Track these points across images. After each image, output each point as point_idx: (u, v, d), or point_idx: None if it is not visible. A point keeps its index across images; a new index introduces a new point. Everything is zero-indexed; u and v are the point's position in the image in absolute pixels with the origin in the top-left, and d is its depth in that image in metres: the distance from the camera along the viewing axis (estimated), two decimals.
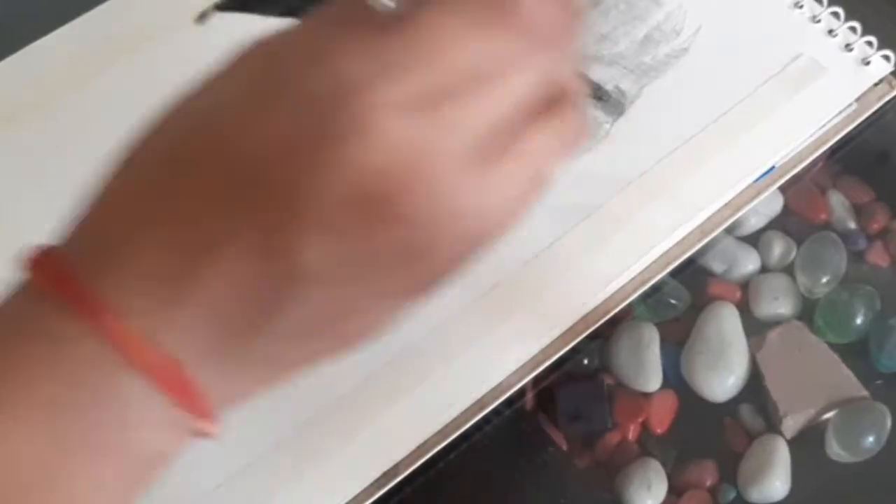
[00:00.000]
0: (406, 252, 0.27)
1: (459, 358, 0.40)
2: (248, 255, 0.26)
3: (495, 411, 0.41)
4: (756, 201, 0.45)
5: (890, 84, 0.47)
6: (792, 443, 0.40)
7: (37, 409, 0.26)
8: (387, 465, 0.39)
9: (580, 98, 0.28)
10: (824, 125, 0.46)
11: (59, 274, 0.27)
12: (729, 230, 0.45)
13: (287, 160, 0.25)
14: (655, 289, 0.44)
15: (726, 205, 0.45)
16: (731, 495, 0.40)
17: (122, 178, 0.30)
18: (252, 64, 0.28)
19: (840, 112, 0.47)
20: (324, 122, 0.25)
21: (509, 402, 0.41)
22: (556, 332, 0.42)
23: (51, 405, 0.26)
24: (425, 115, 0.25)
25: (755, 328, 0.43)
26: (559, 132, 0.28)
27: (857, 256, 0.45)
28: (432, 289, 0.29)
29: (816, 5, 0.49)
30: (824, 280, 0.44)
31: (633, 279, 0.43)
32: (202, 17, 0.50)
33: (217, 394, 0.28)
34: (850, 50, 0.48)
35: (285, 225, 0.26)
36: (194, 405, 0.27)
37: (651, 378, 0.42)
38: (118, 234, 0.28)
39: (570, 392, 0.42)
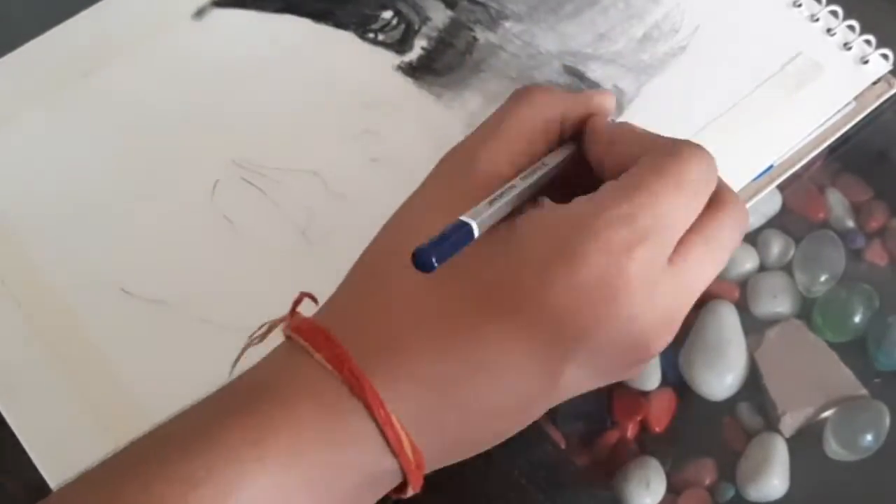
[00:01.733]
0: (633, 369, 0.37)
1: None
2: (523, 377, 0.32)
3: None
4: (755, 200, 0.45)
5: (888, 82, 0.48)
6: (790, 441, 0.40)
7: (308, 456, 0.31)
8: None
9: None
10: (823, 124, 0.46)
11: (336, 352, 0.32)
12: None
13: (572, 310, 0.32)
14: None
15: None
16: (730, 494, 0.40)
17: (391, 274, 0.34)
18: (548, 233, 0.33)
19: (839, 111, 0.47)
20: (603, 284, 0.32)
21: None
22: None
23: (316, 459, 0.31)
24: (662, 271, 0.33)
25: (754, 326, 0.43)
26: (733, 220, 0.35)
27: (855, 255, 0.45)
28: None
29: (815, 4, 0.49)
30: (823, 278, 0.44)
31: None
32: (200, 12, 0.50)
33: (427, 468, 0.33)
34: (849, 48, 0.48)
35: (566, 358, 0.32)
36: (416, 482, 0.33)
37: (650, 376, 0.42)
38: (389, 328, 0.33)
39: None
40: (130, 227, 0.44)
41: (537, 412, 0.35)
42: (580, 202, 0.34)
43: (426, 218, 0.34)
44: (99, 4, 0.50)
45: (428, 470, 0.34)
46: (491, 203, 0.32)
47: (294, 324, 0.33)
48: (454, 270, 0.32)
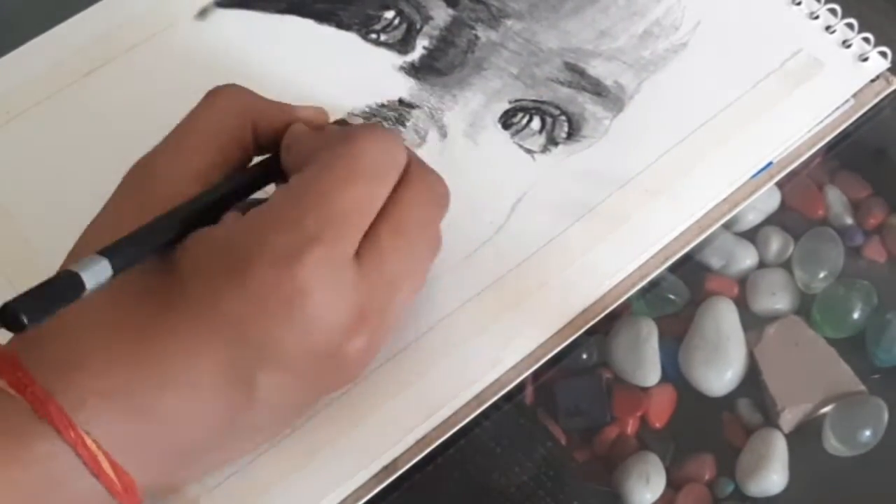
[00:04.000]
0: (346, 382, 0.36)
1: (459, 353, 0.40)
2: (215, 389, 0.32)
3: (494, 406, 0.41)
4: (754, 197, 0.45)
5: (887, 80, 0.48)
6: (789, 437, 0.41)
7: None
8: (386, 460, 0.39)
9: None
10: (822, 121, 0.46)
11: (19, 376, 0.30)
12: (727, 226, 0.45)
13: (252, 318, 0.31)
14: (654, 284, 0.44)
15: (724, 200, 0.45)
16: (730, 489, 0.40)
17: (86, 298, 0.32)
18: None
19: (837, 108, 0.47)
20: (277, 292, 0.31)
21: (508, 397, 0.41)
22: (555, 328, 0.42)
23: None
24: (344, 267, 0.32)
25: (753, 323, 0.43)
26: (422, 196, 0.35)
27: (854, 252, 0.45)
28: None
29: (814, 2, 0.49)
30: (822, 275, 0.44)
31: (631, 274, 0.43)
32: (202, 13, 0.50)
33: (153, 488, 0.33)
34: (848, 46, 0.48)
35: (254, 366, 0.32)
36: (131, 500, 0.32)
37: (649, 373, 0.42)
38: (79, 345, 0.32)
39: (569, 387, 0.42)
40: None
41: (250, 425, 0.34)
42: (251, 213, 0.33)
43: (106, 239, 0.32)
44: (100, 4, 0.50)
45: (164, 489, 0.34)
46: (122, 243, 0.31)
47: None
48: (139, 284, 0.32)
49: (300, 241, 0.32)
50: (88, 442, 0.30)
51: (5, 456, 0.29)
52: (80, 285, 0.29)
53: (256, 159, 0.39)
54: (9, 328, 0.27)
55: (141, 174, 0.36)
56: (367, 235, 0.34)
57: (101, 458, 0.30)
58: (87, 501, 0.31)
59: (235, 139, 0.36)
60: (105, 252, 0.30)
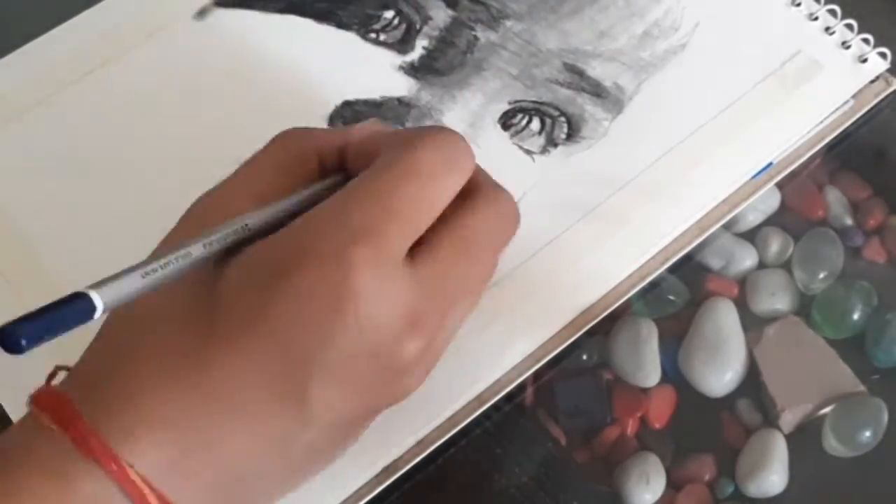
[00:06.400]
0: (402, 394, 0.34)
1: (459, 354, 0.40)
2: (268, 405, 0.30)
3: (495, 407, 0.41)
4: (754, 198, 0.45)
5: (886, 81, 0.48)
6: (789, 437, 0.41)
7: None
8: (387, 460, 0.39)
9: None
10: (821, 122, 0.46)
11: (66, 414, 0.29)
12: (727, 226, 0.45)
13: (300, 328, 0.30)
14: (654, 285, 0.44)
15: (724, 201, 0.45)
16: (730, 489, 0.40)
17: (130, 319, 0.32)
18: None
19: (837, 109, 0.47)
20: (324, 293, 0.30)
21: (509, 398, 0.41)
22: (556, 328, 0.42)
23: None
24: (395, 267, 0.31)
25: (753, 324, 0.43)
26: (490, 211, 0.34)
27: (854, 252, 0.45)
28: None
29: (814, 3, 0.49)
30: (821, 276, 0.44)
31: (631, 275, 0.43)
32: (201, 13, 0.50)
33: None
34: (848, 47, 0.48)
35: (306, 376, 0.30)
36: None
37: (650, 373, 0.42)
38: (129, 379, 0.30)
39: (569, 387, 0.42)
40: (131, 227, 0.44)
41: (305, 446, 0.32)
42: (300, 218, 0.32)
43: None
44: (100, 4, 0.50)
45: None
46: (150, 263, 0.29)
47: (35, 394, 0.31)
48: (186, 298, 0.31)
49: (347, 239, 0.30)
50: (132, 475, 0.29)
51: (53, 497, 0.28)
52: (91, 308, 0.27)
53: None
54: (7, 350, 0.25)
55: (202, 206, 0.34)
56: (424, 240, 0.32)
57: (147, 492, 0.29)
58: None
59: (298, 171, 0.35)
60: (128, 270, 0.29)
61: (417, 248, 0.32)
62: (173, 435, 0.30)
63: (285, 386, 0.30)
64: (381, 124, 0.38)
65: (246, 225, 0.32)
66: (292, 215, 0.33)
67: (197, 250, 0.31)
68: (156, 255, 0.30)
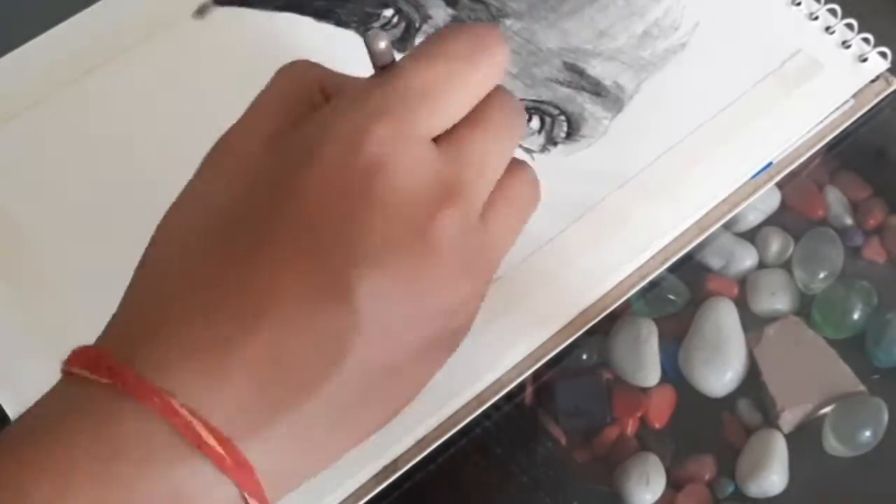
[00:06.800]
0: (447, 284, 0.30)
1: (458, 353, 0.40)
2: (303, 300, 0.28)
3: (494, 406, 0.41)
4: (754, 197, 0.45)
5: (887, 80, 0.48)
6: (790, 437, 0.41)
7: (84, 482, 0.26)
8: (386, 460, 0.39)
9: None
10: (822, 121, 0.46)
11: (98, 358, 0.27)
12: (727, 226, 0.45)
13: (329, 211, 0.28)
14: (654, 284, 0.44)
15: (724, 201, 0.45)
16: (730, 489, 0.40)
17: (155, 258, 0.31)
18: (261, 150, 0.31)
19: (837, 108, 0.47)
20: (350, 169, 0.28)
21: (508, 398, 0.41)
22: (555, 328, 0.42)
23: (97, 480, 0.26)
24: (420, 142, 0.30)
25: (753, 323, 0.43)
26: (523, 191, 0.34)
27: (854, 252, 0.45)
28: (459, 340, 0.33)
29: (814, 3, 0.49)
30: (821, 276, 0.44)
31: (631, 275, 0.43)
32: (201, 11, 0.50)
33: (271, 472, 0.28)
34: (848, 47, 0.48)
35: (339, 264, 0.28)
36: (247, 483, 0.27)
37: (649, 373, 0.42)
38: (155, 309, 0.29)
39: (569, 387, 0.42)
40: (131, 227, 0.44)
41: (369, 361, 0.29)
42: (323, 108, 0.31)
43: (187, 217, 0.31)
44: (99, 4, 0.50)
45: (287, 477, 0.29)
46: None
47: (69, 357, 0.29)
48: (216, 220, 0.29)
49: (367, 117, 0.29)
50: (175, 405, 0.26)
51: (103, 439, 0.26)
52: None
53: None
54: None
55: (215, 150, 0.33)
56: (452, 129, 0.31)
57: (198, 425, 0.26)
58: (200, 490, 0.27)
59: (304, 103, 0.33)
60: None
61: (444, 135, 0.31)
62: (213, 364, 0.27)
63: (323, 277, 0.28)
64: None
65: None
66: None
67: None
68: None
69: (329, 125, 0.29)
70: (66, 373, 0.29)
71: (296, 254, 0.28)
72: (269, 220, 0.28)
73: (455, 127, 0.31)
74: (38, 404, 0.28)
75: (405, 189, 0.29)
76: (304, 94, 0.34)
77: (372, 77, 0.31)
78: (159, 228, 0.32)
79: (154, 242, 0.32)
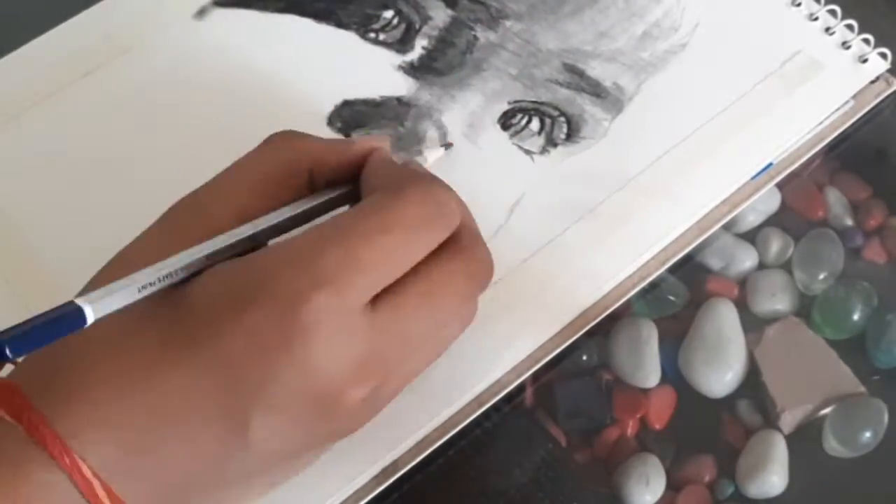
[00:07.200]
0: (342, 433, 0.34)
1: (458, 354, 0.40)
2: (208, 425, 0.31)
3: (494, 407, 0.41)
4: (754, 198, 0.45)
5: (887, 81, 0.48)
6: (790, 438, 0.41)
7: None
8: (386, 461, 0.39)
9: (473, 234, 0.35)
10: (822, 122, 0.46)
11: (18, 403, 0.30)
12: (727, 227, 0.45)
13: (249, 361, 0.30)
14: (654, 285, 0.44)
15: (724, 202, 0.45)
16: (730, 490, 0.40)
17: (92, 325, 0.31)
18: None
19: (837, 109, 0.47)
20: (277, 330, 0.30)
21: (508, 399, 0.41)
22: (555, 329, 0.42)
23: None
24: (354, 315, 0.31)
25: (753, 324, 0.43)
26: (464, 268, 0.34)
27: (854, 253, 0.45)
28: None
29: (814, 3, 0.49)
30: (822, 276, 0.44)
31: (631, 276, 0.43)
32: (201, 12, 0.50)
33: None
34: (848, 47, 0.48)
35: (249, 405, 0.31)
36: None
37: (650, 374, 0.42)
38: (83, 374, 0.31)
39: (569, 388, 0.42)
40: (131, 227, 0.44)
41: (242, 468, 0.33)
42: (272, 247, 0.32)
43: (137, 268, 0.32)
44: (100, 4, 0.50)
45: None
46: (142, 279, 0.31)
47: None
48: (149, 310, 0.31)
49: (311, 282, 0.30)
50: (84, 469, 0.29)
51: (7, 482, 0.29)
52: (82, 320, 0.28)
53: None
54: None
55: (183, 208, 0.35)
56: (391, 289, 0.32)
57: (98, 486, 0.30)
58: None
59: (286, 183, 0.35)
60: (116, 286, 0.30)
61: (382, 294, 0.32)
62: (119, 435, 0.30)
63: (228, 410, 0.31)
64: (378, 139, 0.38)
65: (231, 244, 0.33)
66: (276, 228, 0.34)
67: (194, 265, 0.32)
68: (155, 267, 0.31)
69: (275, 279, 0.31)
70: None
71: (209, 381, 0.31)
72: (190, 337, 0.31)
73: (400, 286, 0.32)
74: None
75: (323, 362, 0.31)
76: (289, 177, 0.36)
77: (327, 228, 0.32)
78: (111, 264, 0.34)
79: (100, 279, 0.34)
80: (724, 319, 0.43)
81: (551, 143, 0.46)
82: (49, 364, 0.31)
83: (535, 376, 0.42)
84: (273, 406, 0.31)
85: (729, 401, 0.42)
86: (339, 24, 0.49)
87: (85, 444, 0.30)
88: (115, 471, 0.30)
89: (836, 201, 0.46)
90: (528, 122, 0.46)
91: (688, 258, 0.44)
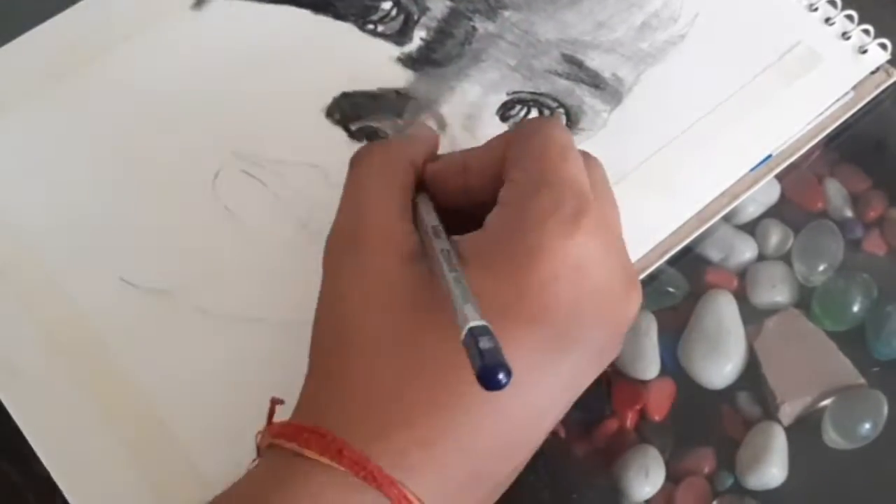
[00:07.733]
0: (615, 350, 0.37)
1: None
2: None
3: None
4: (753, 189, 0.45)
5: (887, 72, 0.48)
6: (789, 430, 0.41)
7: None
8: None
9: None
10: (821, 113, 0.46)
11: (331, 443, 0.30)
12: (726, 218, 0.45)
13: (557, 311, 0.32)
14: (653, 277, 0.44)
15: (723, 193, 0.45)
16: (729, 482, 0.40)
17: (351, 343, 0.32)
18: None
19: (837, 100, 0.47)
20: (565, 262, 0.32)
21: None
22: None
23: None
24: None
25: (752, 316, 0.43)
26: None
27: (853, 244, 0.45)
28: None
29: None
30: (821, 268, 0.44)
31: None
32: (199, 3, 0.49)
33: None
34: (848, 38, 0.48)
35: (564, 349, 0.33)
36: None
37: (649, 366, 0.42)
38: (385, 402, 0.31)
39: None
40: (130, 218, 0.44)
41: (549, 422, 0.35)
42: (510, 214, 0.33)
43: (377, 284, 0.33)
44: None
45: None
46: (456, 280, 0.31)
47: (273, 431, 0.32)
48: (412, 312, 0.32)
49: (574, 209, 0.32)
50: (409, 496, 0.30)
51: None
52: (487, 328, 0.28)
53: None
54: (492, 389, 0.27)
55: (343, 239, 0.36)
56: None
57: None
58: None
59: (412, 174, 0.37)
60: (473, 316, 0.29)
61: None
62: (440, 449, 0.31)
63: (547, 353, 0.32)
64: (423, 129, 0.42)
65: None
66: None
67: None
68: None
69: (544, 225, 0.32)
70: (279, 447, 0.31)
71: (534, 342, 0.32)
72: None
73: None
74: (252, 482, 0.31)
75: (604, 274, 0.33)
76: (410, 168, 0.37)
77: (522, 179, 0.35)
78: (342, 299, 0.34)
79: (343, 320, 0.33)
80: (724, 311, 0.43)
81: None
82: (335, 401, 0.32)
83: None
84: (586, 345, 0.34)
85: (728, 392, 0.42)
86: (338, 16, 0.49)
87: (406, 470, 0.30)
88: (435, 487, 0.31)
89: (835, 193, 0.46)
90: (527, 113, 0.46)
91: (687, 249, 0.44)
